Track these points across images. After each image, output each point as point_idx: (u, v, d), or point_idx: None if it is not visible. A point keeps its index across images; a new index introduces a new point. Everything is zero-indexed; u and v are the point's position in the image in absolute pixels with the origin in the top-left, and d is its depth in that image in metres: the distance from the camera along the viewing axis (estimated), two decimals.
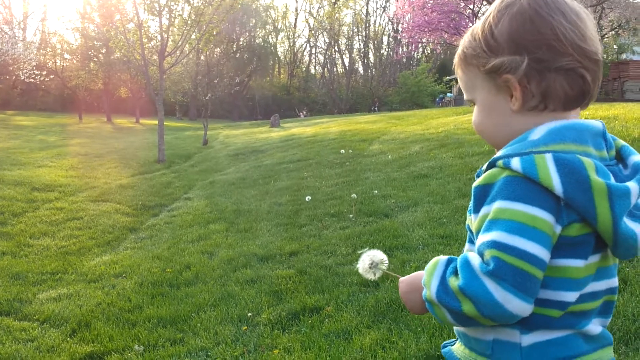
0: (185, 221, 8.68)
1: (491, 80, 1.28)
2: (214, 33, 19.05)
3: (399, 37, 44.11)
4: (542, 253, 1.12)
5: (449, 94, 47.66)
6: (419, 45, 49.24)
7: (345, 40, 71.92)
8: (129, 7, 19.17)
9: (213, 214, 8.97)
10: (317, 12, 71.99)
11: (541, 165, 1.14)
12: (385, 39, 72.67)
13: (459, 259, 1.23)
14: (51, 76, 39.02)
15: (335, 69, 73.07)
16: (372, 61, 72.83)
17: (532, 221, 1.12)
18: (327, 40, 72.22)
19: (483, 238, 1.17)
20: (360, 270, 1.59)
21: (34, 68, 30.41)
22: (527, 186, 1.14)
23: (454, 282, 1.19)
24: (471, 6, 31.52)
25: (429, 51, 65.73)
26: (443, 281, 1.23)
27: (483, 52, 1.27)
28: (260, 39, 68.88)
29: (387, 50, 71.66)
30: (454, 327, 1.40)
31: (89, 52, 43.03)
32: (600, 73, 1.26)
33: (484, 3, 30.38)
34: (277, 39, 73.54)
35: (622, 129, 9.45)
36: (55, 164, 15.50)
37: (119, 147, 21.33)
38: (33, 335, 4.65)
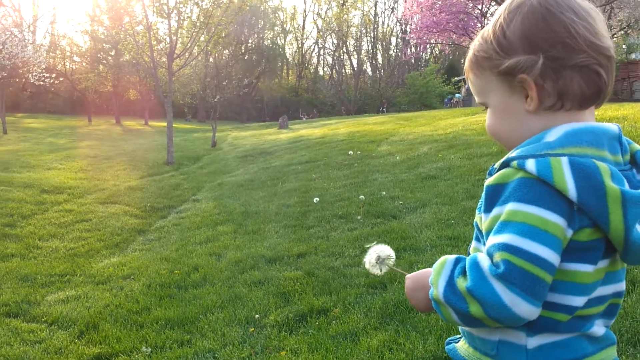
0: (194, 223, 8.70)
1: (505, 82, 1.26)
2: (223, 35, 19.08)
3: (407, 38, 44.08)
4: (553, 257, 1.11)
5: (457, 95, 47.60)
6: (427, 46, 49.18)
7: (354, 42, 71.97)
8: (138, 9, 19.23)
9: (221, 215, 8.98)
10: (326, 13, 72.10)
11: (557, 169, 1.12)
12: (393, 40, 72.68)
13: (468, 259, 1.22)
14: (61, 79, 39.21)
15: (343, 70, 73.11)
16: (381, 62, 72.83)
17: (544, 225, 1.11)
18: (335, 41, 72.30)
19: (494, 240, 1.16)
20: (366, 265, 1.58)
21: (44, 71, 30.54)
22: (541, 189, 1.13)
23: (461, 283, 1.18)
24: (480, 7, 31.44)
25: (437, 52, 65.71)
26: (451, 281, 1.22)
27: (496, 54, 1.26)
28: (269, 41, 69.05)
29: (395, 51, 71.62)
30: (459, 326, 1.39)
31: (98, 55, 43.27)
32: (614, 70, 1.24)
33: (493, 3, 30.31)
34: (285, 41, 73.73)
35: (632, 129, 9.40)
36: (65, 166, 15.58)
37: (128, 149, 21.41)
38: (41, 337, 4.66)
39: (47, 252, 7.38)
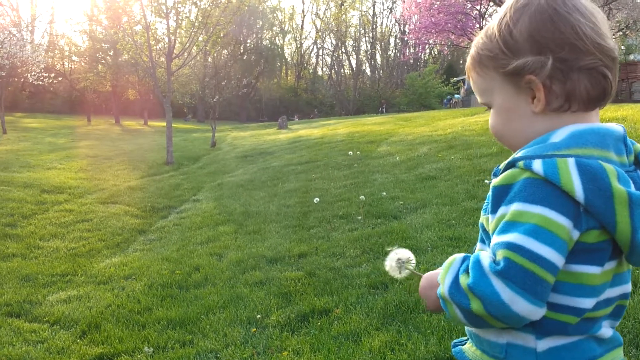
0: (194, 223, 8.70)
1: (511, 82, 1.25)
2: (221, 35, 19.08)
3: (405, 39, 44.10)
4: (555, 257, 1.11)
5: (456, 95, 47.60)
6: (426, 46, 49.19)
7: (352, 42, 72.02)
8: (137, 9, 19.20)
9: (222, 215, 8.99)
10: (324, 13, 72.13)
11: (563, 170, 1.12)
12: (392, 40, 72.73)
13: (472, 257, 1.22)
14: (59, 78, 39.23)
15: (342, 70, 73.17)
16: (379, 63, 72.86)
17: (548, 225, 1.11)
18: (334, 41, 72.37)
19: (497, 239, 1.16)
20: (387, 268, 1.58)
21: (42, 70, 30.51)
22: (547, 190, 1.13)
23: (464, 280, 1.19)
24: (478, 7, 31.45)
25: (436, 52, 65.74)
26: (456, 278, 1.22)
27: (502, 53, 1.24)
28: (268, 41, 68.97)
29: (394, 51, 71.67)
30: (466, 328, 1.39)
31: (97, 55, 43.21)
32: (617, 71, 1.24)
33: (491, 4, 30.32)
34: (284, 41, 73.69)
35: (631, 130, 9.42)
36: (65, 166, 15.57)
37: (128, 149, 21.41)
38: (43, 337, 4.67)
39: (48, 252, 7.38)
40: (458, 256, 1.29)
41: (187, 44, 18.36)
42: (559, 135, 1.20)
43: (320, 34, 72.47)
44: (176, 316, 4.83)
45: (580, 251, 1.16)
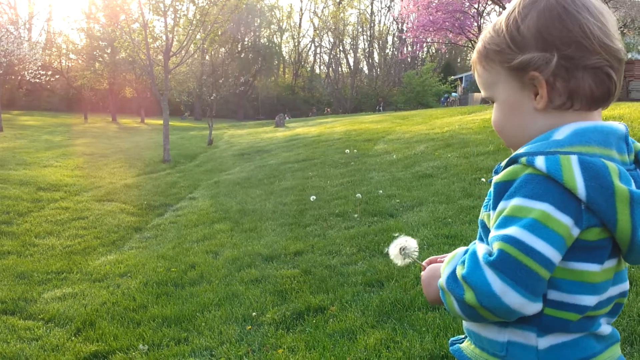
0: (190, 221, 8.69)
1: (515, 77, 1.25)
2: (219, 33, 19.06)
3: (403, 37, 44.14)
4: (551, 253, 1.11)
5: (453, 94, 47.67)
6: (424, 44, 49.22)
7: (350, 40, 72.03)
8: (134, 7, 19.19)
9: (218, 213, 8.98)
10: (322, 11, 72.10)
11: (566, 167, 1.12)
12: (390, 38, 72.77)
13: (469, 248, 1.23)
14: (56, 76, 39.15)
15: (340, 68, 73.20)
16: (377, 61, 72.88)
17: (547, 221, 1.11)
18: (331, 40, 72.36)
19: (495, 232, 1.16)
20: (390, 254, 1.59)
21: (40, 68, 30.50)
22: (549, 186, 1.12)
23: (459, 270, 1.19)
24: (476, 6, 31.48)
25: (433, 51, 65.82)
26: (454, 269, 1.22)
27: (508, 48, 1.24)
28: (265, 39, 68.90)
29: (391, 49, 71.70)
30: (464, 326, 1.39)
31: (94, 52, 43.18)
32: (622, 72, 1.24)
33: (489, 2, 30.35)
34: (281, 39, 73.66)
35: (628, 128, 9.41)
36: (61, 164, 15.54)
37: (124, 147, 21.38)
38: (38, 334, 4.65)
39: (43, 250, 7.37)
40: (461, 249, 1.30)
41: (185, 42, 18.35)
42: (562, 133, 1.20)
43: (318, 32, 72.47)
44: (171, 314, 4.82)
45: (581, 249, 1.16)
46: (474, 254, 1.18)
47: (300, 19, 74.79)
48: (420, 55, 66.82)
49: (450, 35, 32.95)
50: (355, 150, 13.39)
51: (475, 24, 32.42)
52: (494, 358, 1.29)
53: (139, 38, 18.07)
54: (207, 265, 6.16)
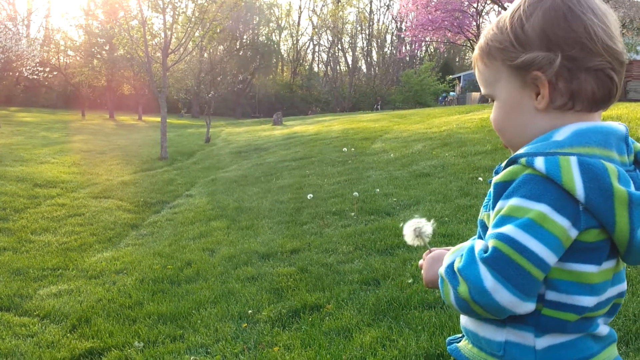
0: (187, 218, 8.68)
1: (517, 76, 1.24)
2: (218, 30, 19.05)
3: (402, 36, 44.16)
4: (545, 254, 1.11)
5: (451, 93, 47.72)
6: (423, 43, 49.23)
7: (349, 39, 72.08)
8: (133, 4, 19.17)
9: (215, 211, 8.97)
10: (321, 10, 72.12)
11: (565, 168, 1.11)
12: (388, 37, 72.81)
13: (469, 243, 1.24)
14: (54, 73, 39.17)
15: (338, 67, 73.23)
16: (375, 60, 72.92)
17: (544, 221, 1.11)
18: (330, 38, 72.39)
19: (492, 230, 1.17)
20: (404, 230, 1.62)
21: (38, 64, 30.47)
22: (547, 187, 1.12)
23: (457, 263, 1.20)
24: (475, 5, 31.49)
25: (432, 50, 65.83)
26: (454, 260, 1.23)
27: (511, 46, 1.23)
28: (264, 37, 68.88)
29: (390, 48, 71.73)
30: (462, 325, 1.39)
31: (93, 49, 43.17)
32: (624, 74, 1.23)
33: (488, 2, 30.36)
34: (280, 37, 73.62)
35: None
36: (58, 161, 15.53)
37: (122, 144, 21.37)
38: (33, 331, 4.64)
39: (39, 246, 7.35)
40: (467, 242, 1.31)
41: (184, 40, 18.33)
42: (562, 134, 1.19)
43: (316, 30, 72.47)
44: (167, 311, 4.81)
45: (579, 250, 1.16)
46: (471, 249, 1.19)
47: (299, 17, 74.80)
48: (418, 54, 66.87)
49: (449, 35, 32.96)
50: (353, 149, 13.39)
51: (474, 23, 32.44)
52: (491, 358, 1.29)
53: (137, 35, 18.05)
54: (203, 262, 6.15)
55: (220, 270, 5.81)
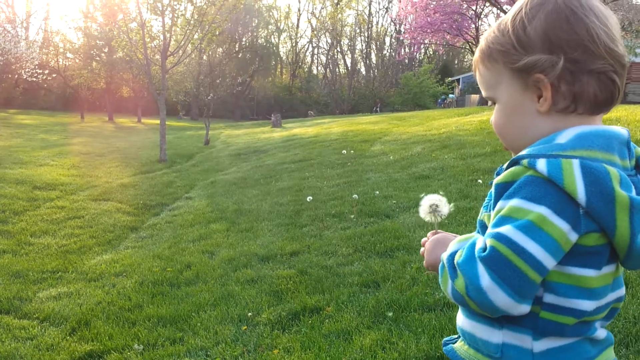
0: (186, 221, 8.67)
1: (519, 79, 1.24)
2: (217, 33, 19.04)
3: (401, 38, 44.17)
4: (543, 257, 1.11)
5: (450, 95, 47.75)
6: (422, 46, 49.25)
7: (348, 41, 72.08)
8: (132, 6, 19.14)
9: (214, 213, 8.96)
10: (320, 12, 72.11)
11: (567, 171, 1.11)
12: (387, 39, 72.83)
13: (472, 239, 1.24)
14: (53, 75, 39.11)
15: (337, 69, 73.23)
16: (374, 62, 72.97)
17: (543, 224, 1.11)
18: (329, 40, 72.40)
19: (490, 230, 1.17)
20: (421, 206, 1.65)
21: (37, 67, 30.48)
22: (548, 189, 1.12)
23: (457, 257, 1.21)
24: (474, 7, 31.51)
25: (431, 52, 65.84)
26: (456, 252, 1.24)
27: (513, 49, 1.23)
28: (263, 39, 68.81)
29: (389, 51, 71.78)
30: (458, 326, 1.39)
31: (92, 52, 43.09)
32: (625, 77, 1.23)
33: (487, 5, 30.38)
34: (279, 39, 73.56)
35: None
36: (57, 163, 15.51)
37: (121, 146, 21.35)
38: (33, 334, 4.64)
39: (39, 249, 7.34)
40: (474, 234, 1.31)
41: (183, 42, 18.33)
42: (564, 136, 1.19)
43: (315, 32, 72.47)
44: (167, 314, 4.81)
45: (579, 254, 1.16)
46: (472, 245, 1.20)
47: (298, 20, 74.75)
48: (417, 57, 66.86)
49: (448, 37, 32.96)
50: (352, 151, 13.39)
51: (473, 25, 32.46)
52: (488, 359, 1.29)
53: (136, 37, 18.03)
54: (203, 265, 6.15)
55: (220, 273, 5.81)
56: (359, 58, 72.81)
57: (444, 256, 1.27)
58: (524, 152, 1.20)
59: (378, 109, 53.17)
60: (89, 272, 6.34)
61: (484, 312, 1.18)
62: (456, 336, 1.43)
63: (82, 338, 4.48)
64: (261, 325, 4.39)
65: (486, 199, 1.29)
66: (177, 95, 37.08)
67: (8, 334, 4.63)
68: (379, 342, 3.78)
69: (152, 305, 5.05)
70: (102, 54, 42.90)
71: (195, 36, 18.43)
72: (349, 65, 71.40)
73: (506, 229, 1.12)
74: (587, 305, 1.19)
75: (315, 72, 77.19)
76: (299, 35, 75.71)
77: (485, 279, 1.12)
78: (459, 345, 1.39)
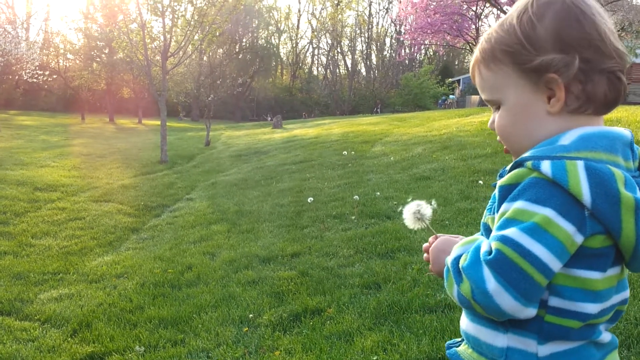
0: (187, 222, 8.67)
1: (529, 79, 1.21)
2: (217, 34, 19.05)
3: (401, 39, 44.16)
4: (549, 259, 1.10)
5: (451, 96, 47.78)
6: (422, 47, 49.26)
7: (348, 42, 72.11)
8: (132, 7, 19.16)
9: (215, 214, 8.96)
10: (320, 13, 72.16)
11: (572, 172, 1.10)
12: (387, 40, 72.87)
13: (476, 242, 1.23)
14: (54, 76, 39.08)
15: (337, 70, 73.21)
16: (375, 63, 72.98)
17: (548, 226, 1.10)
18: (329, 41, 72.43)
19: (495, 232, 1.16)
20: (404, 216, 1.64)
21: (37, 68, 30.50)
22: (553, 191, 1.11)
23: (462, 261, 1.20)
24: (474, 8, 31.51)
25: (431, 53, 65.87)
26: (460, 255, 1.24)
27: (523, 49, 1.20)
28: (263, 40, 68.91)
29: (389, 51, 71.80)
30: (462, 329, 1.38)
31: (92, 53, 43.13)
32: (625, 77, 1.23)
33: (487, 5, 30.37)
34: (279, 40, 73.65)
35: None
36: (58, 164, 15.52)
37: (122, 148, 21.36)
38: (34, 335, 4.64)
39: (40, 250, 7.34)
40: (477, 236, 1.30)
41: (183, 43, 18.33)
42: (568, 138, 1.18)
43: (316, 33, 72.52)
44: (168, 315, 4.81)
45: (584, 256, 1.15)
46: (477, 249, 1.19)
47: (298, 21, 74.80)
48: (418, 58, 66.88)
49: (448, 38, 32.97)
50: (353, 152, 13.39)
51: (473, 26, 32.46)
52: None
53: (136, 38, 18.05)
54: (204, 266, 6.15)
55: (221, 274, 5.81)
56: (360, 59, 72.86)
57: (448, 260, 1.26)
58: (527, 154, 1.19)
59: (378, 109, 53.21)
60: (90, 273, 6.35)
61: (490, 315, 1.17)
62: (459, 339, 1.42)
63: (83, 340, 4.48)
64: (262, 326, 4.39)
65: (490, 201, 1.28)
66: (177, 97, 37.07)
67: (9, 336, 4.63)
68: (380, 343, 3.78)
69: (153, 307, 5.05)
70: (103, 55, 42.93)
71: (196, 37, 18.44)
72: (349, 66, 71.43)
73: (511, 232, 1.12)
74: (592, 308, 1.18)
75: (315, 73, 77.27)
76: (299, 36, 75.83)
77: (491, 282, 1.12)
78: (463, 349, 1.38)
